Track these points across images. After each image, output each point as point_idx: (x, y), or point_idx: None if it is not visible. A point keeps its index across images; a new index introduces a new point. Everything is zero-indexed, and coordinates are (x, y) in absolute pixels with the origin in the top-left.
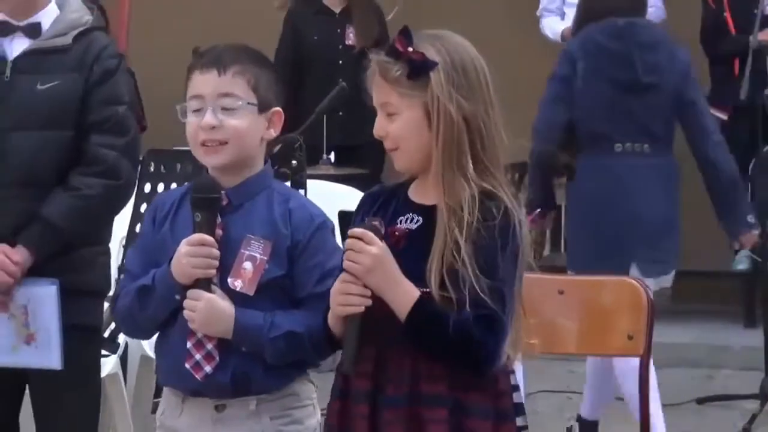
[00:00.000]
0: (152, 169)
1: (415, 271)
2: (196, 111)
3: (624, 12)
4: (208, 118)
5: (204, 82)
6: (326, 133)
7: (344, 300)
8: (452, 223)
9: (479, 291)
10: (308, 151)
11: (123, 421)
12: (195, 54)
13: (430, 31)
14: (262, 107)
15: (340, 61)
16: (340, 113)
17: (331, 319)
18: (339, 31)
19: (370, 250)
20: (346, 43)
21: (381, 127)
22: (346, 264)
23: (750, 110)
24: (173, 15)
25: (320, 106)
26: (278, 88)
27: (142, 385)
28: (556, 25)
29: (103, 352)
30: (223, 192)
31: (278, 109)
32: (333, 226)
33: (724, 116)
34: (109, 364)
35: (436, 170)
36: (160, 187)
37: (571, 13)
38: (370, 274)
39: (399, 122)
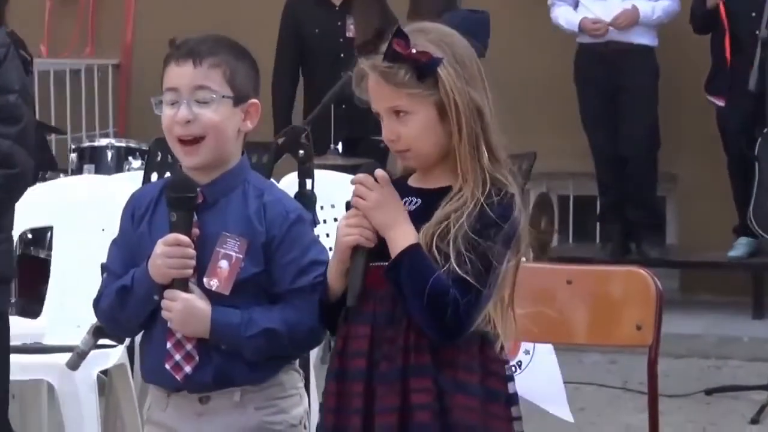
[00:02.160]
0: (159, 159)
1: None
2: (172, 104)
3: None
4: (183, 112)
5: (179, 74)
6: (335, 122)
7: (357, 231)
8: (463, 207)
9: (464, 261)
10: (315, 141)
11: (130, 412)
12: (171, 45)
13: (414, 26)
14: (238, 100)
15: (342, 54)
16: (343, 106)
17: (333, 270)
18: (339, 23)
19: (380, 187)
20: (347, 35)
21: (392, 131)
22: (354, 200)
23: (746, 97)
24: (178, 5)
25: (327, 96)
26: (256, 80)
27: None
28: (570, 15)
29: (110, 342)
30: (197, 189)
31: (255, 101)
32: (311, 219)
33: (721, 103)
34: (115, 354)
35: (461, 162)
36: (166, 176)
37: (587, 3)
38: (376, 210)
39: (414, 123)
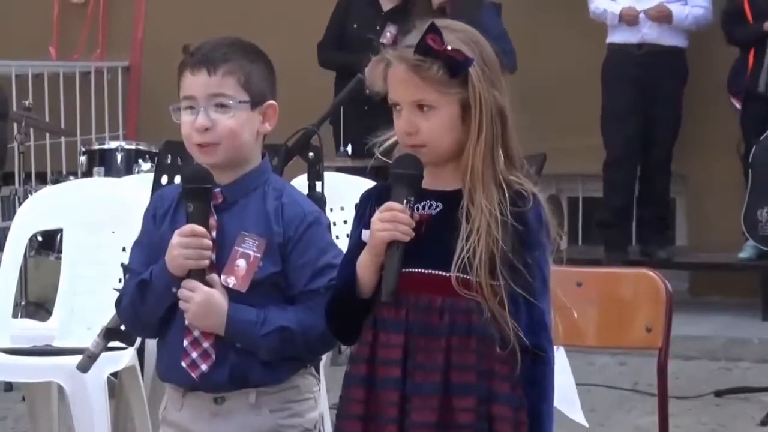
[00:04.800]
0: (169, 161)
1: (438, 256)
2: (189, 110)
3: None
4: (201, 120)
5: (195, 83)
6: (345, 124)
7: (392, 226)
8: (488, 216)
9: (525, 280)
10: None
11: (140, 414)
12: (185, 51)
13: (442, 23)
14: (255, 103)
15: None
16: (366, 107)
17: (366, 265)
18: (379, 27)
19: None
20: (381, 41)
21: (412, 124)
22: (391, 234)
23: (763, 99)
24: (189, 6)
25: (337, 98)
26: (272, 80)
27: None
28: (611, 6)
29: (120, 345)
30: (218, 189)
31: (272, 102)
32: (328, 222)
33: (739, 105)
34: (126, 357)
35: (472, 164)
36: (177, 180)
37: None
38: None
39: (436, 118)
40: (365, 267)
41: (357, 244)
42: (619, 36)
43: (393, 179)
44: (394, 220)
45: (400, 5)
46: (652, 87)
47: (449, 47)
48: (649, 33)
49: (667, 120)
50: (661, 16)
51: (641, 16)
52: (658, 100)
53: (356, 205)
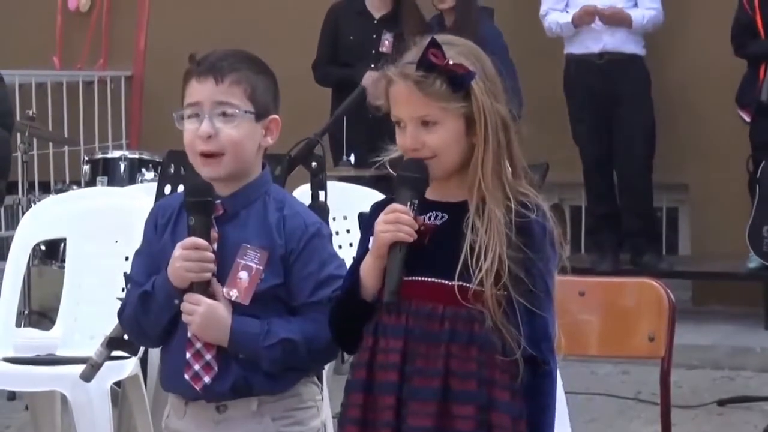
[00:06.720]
0: (172, 171)
1: (442, 266)
2: (193, 118)
3: None
4: (205, 127)
5: (201, 90)
6: (348, 134)
7: (394, 228)
8: (496, 226)
9: (532, 299)
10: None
11: (143, 423)
12: (191, 60)
13: (442, 38)
14: (260, 115)
15: (372, 66)
16: (370, 115)
17: (369, 267)
18: (375, 36)
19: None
20: (380, 49)
21: (417, 140)
22: (394, 236)
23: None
24: (192, 16)
25: (340, 108)
26: (276, 94)
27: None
28: (561, 17)
29: (123, 354)
30: (218, 201)
31: (275, 116)
32: (329, 233)
33: (747, 118)
34: (129, 366)
35: (482, 176)
36: (180, 189)
37: (573, 9)
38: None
39: (441, 133)
40: (368, 271)
41: (364, 254)
42: (578, 46)
43: (397, 182)
44: (397, 221)
45: (391, 12)
46: (616, 96)
47: (451, 61)
48: (610, 41)
49: (639, 127)
50: (618, 18)
51: (598, 24)
52: (624, 109)
53: (359, 215)
